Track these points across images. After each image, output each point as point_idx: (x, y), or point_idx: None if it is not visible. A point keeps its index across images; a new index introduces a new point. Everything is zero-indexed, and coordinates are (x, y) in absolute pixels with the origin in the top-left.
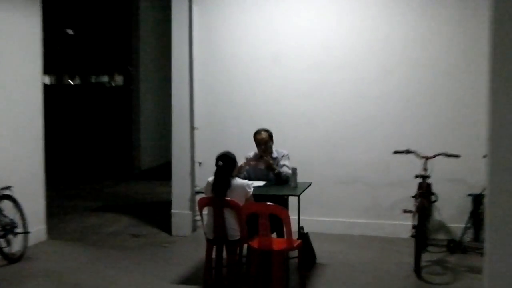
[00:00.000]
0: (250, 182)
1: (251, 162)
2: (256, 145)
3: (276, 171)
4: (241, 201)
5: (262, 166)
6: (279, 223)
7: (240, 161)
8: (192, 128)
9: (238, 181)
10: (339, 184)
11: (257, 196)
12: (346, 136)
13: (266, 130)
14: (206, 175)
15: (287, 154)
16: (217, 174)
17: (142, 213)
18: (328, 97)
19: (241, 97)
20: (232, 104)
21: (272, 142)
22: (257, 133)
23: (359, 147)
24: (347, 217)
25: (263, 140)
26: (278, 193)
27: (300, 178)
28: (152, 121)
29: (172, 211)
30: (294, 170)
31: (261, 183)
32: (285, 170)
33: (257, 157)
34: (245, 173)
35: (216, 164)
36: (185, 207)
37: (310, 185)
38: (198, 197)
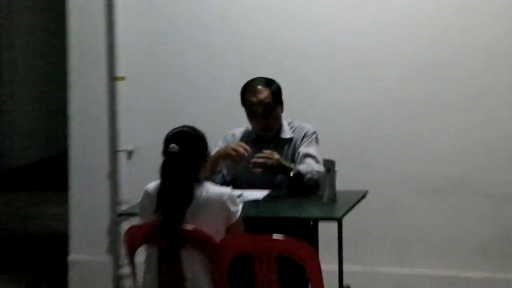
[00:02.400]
0: (237, 191)
1: (240, 150)
2: (248, 115)
3: (292, 171)
4: (217, 232)
5: (259, 163)
6: (298, 276)
7: (215, 147)
8: (114, 80)
9: (211, 190)
10: (424, 194)
11: (253, 221)
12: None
13: (269, 83)
14: (143, 179)
15: (314, 133)
16: (166, 174)
17: (5, 262)
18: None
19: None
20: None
21: (282, 109)
22: (249, 88)
23: (460, 121)
24: (444, 265)
25: (263, 103)
26: (297, 214)
27: (345, 184)
28: (30, 92)
29: (70, 257)
30: (329, 166)
31: (259, 193)
32: (311, 167)
33: (251, 140)
34: (224, 171)
35: (166, 152)
36: (98, 248)
37: (364, 196)
38: (125, 224)
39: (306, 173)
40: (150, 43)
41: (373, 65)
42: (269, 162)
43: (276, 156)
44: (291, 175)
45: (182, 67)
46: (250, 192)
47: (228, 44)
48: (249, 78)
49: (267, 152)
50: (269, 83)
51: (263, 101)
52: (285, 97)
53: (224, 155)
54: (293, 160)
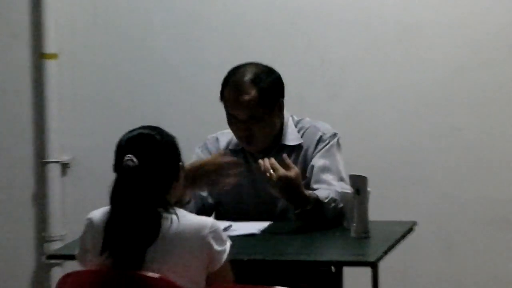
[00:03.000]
0: (224, 223)
1: (223, 162)
2: (227, 119)
3: (309, 202)
4: (193, 281)
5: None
6: None
7: (190, 158)
8: (41, 57)
9: (185, 220)
10: (490, 226)
11: (247, 267)
12: None
13: (257, 78)
14: (84, 205)
15: (335, 136)
16: (119, 199)
17: None
18: None
19: None
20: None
21: (279, 114)
22: (231, 81)
23: None
24: None
25: (245, 108)
26: (311, 257)
27: (381, 210)
28: None
29: None
30: (359, 185)
31: (255, 225)
32: (332, 188)
33: (241, 148)
34: (204, 193)
35: (119, 167)
36: None
37: (411, 230)
38: (57, 270)
39: (328, 202)
40: (95, 14)
41: (420, 41)
42: (275, 175)
43: (292, 172)
44: (308, 207)
45: (141, 46)
46: (242, 224)
47: (211, 10)
48: (239, 59)
49: (269, 162)
50: (259, 77)
51: (245, 106)
52: (293, 85)
53: (199, 174)
54: (303, 177)
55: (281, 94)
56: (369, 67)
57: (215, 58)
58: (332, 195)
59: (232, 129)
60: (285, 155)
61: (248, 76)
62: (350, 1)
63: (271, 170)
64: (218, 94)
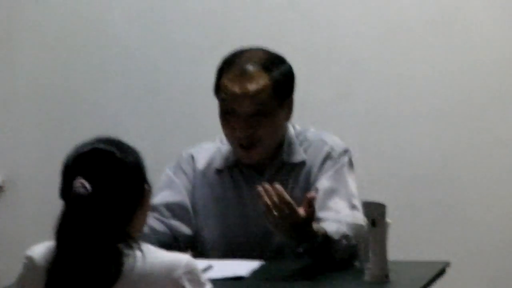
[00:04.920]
0: (202, 261)
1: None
2: (221, 117)
3: (315, 238)
4: None
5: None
6: None
7: (156, 177)
8: None
9: (153, 258)
10: None
11: None
12: None
13: (270, 64)
14: (21, 239)
15: (345, 153)
16: (67, 233)
17: None
18: None
19: None
20: None
21: (289, 114)
22: (231, 67)
23: None
24: None
25: (251, 99)
26: None
27: (404, 247)
28: None
29: None
30: (376, 215)
31: (243, 265)
32: (342, 219)
33: (228, 166)
34: (176, 222)
35: (67, 194)
36: None
37: (442, 273)
38: None
39: (339, 239)
40: None
41: (449, 30)
42: (284, 212)
43: (305, 212)
44: (314, 244)
45: (95, 30)
46: (227, 263)
47: None
48: (225, 50)
49: (278, 189)
50: (272, 64)
51: (252, 96)
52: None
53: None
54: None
55: (293, 89)
56: (385, 60)
57: (194, 49)
58: (343, 229)
59: (227, 131)
60: (310, 195)
61: (256, 61)
62: None
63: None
64: (195, 95)
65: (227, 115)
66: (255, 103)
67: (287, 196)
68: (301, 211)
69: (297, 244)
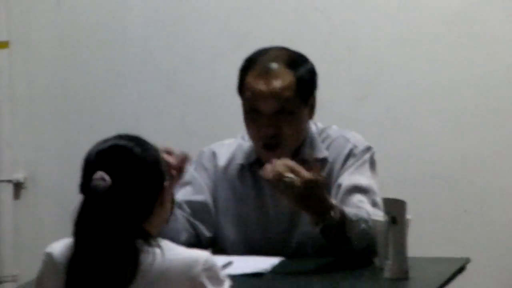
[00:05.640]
0: (222, 258)
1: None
2: (245, 115)
3: (332, 214)
4: None
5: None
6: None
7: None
8: None
9: (172, 254)
10: None
11: None
12: None
13: (294, 62)
14: (42, 235)
15: (368, 151)
16: (86, 229)
17: None
18: None
19: None
20: None
21: (313, 112)
22: (256, 66)
23: None
24: None
25: (278, 96)
26: None
27: (426, 244)
28: None
29: None
30: (395, 212)
31: (263, 261)
32: (364, 211)
33: (248, 164)
34: (196, 221)
35: (88, 188)
36: None
37: (462, 269)
38: None
39: (358, 220)
40: None
41: (475, 29)
42: (297, 182)
43: (317, 176)
44: (332, 216)
45: (115, 34)
46: (247, 260)
47: None
48: (242, 51)
49: (288, 163)
50: (296, 62)
51: (277, 94)
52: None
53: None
54: None
55: (316, 87)
56: (407, 60)
57: (212, 50)
58: (363, 214)
59: (251, 130)
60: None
61: (280, 59)
62: None
63: (290, 174)
64: (214, 95)
65: (252, 114)
66: (280, 101)
67: (297, 165)
68: (313, 175)
69: (315, 218)
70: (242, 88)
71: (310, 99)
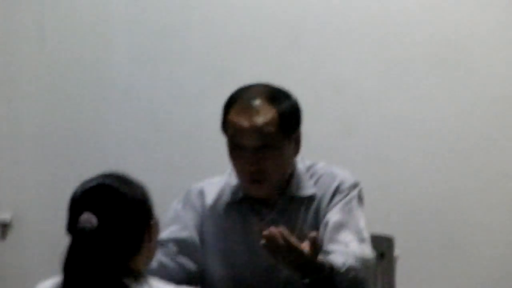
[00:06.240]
0: None
1: None
2: (230, 152)
3: (321, 271)
4: None
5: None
6: None
7: (167, 213)
8: None
9: None
10: None
11: None
12: None
13: (276, 98)
14: (28, 273)
15: (355, 187)
16: (74, 268)
17: None
18: None
19: None
20: None
21: (297, 148)
22: (238, 102)
23: None
24: None
25: (259, 132)
26: None
27: (413, 282)
28: None
29: None
30: (383, 248)
31: None
32: (351, 252)
33: (236, 201)
34: (183, 259)
35: (74, 229)
36: None
37: None
38: None
39: (346, 271)
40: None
41: (461, 63)
42: (279, 242)
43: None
44: (320, 276)
45: (98, 64)
46: None
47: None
48: (225, 86)
49: (278, 232)
50: (278, 97)
51: (259, 129)
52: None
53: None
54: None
55: (300, 124)
56: (393, 95)
57: (196, 87)
58: (351, 261)
59: (236, 166)
60: (314, 233)
61: (262, 95)
62: (369, 13)
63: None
64: (199, 132)
65: (236, 150)
66: (262, 136)
67: (291, 239)
68: (306, 246)
69: (303, 277)
70: (225, 125)
71: (293, 134)
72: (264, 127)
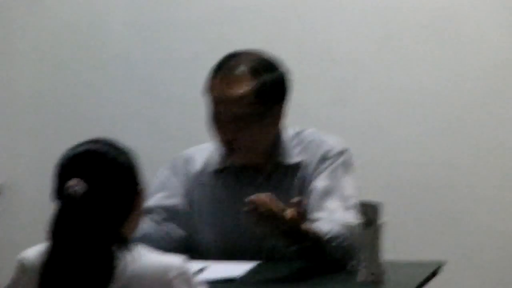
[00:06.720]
0: (196, 263)
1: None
2: (209, 118)
3: (307, 238)
4: None
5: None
6: None
7: (150, 178)
8: None
9: (147, 260)
10: None
11: None
12: None
13: (258, 69)
14: (16, 241)
15: (343, 153)
16: (61, 235)
17: None
18: None
19: None
20: None
21: (277, 120)
22: (220, 69)
23: None
24: None
25: (235, 103)
26: None
27: (402, 249)
28: None
29: None
30: (370, 215)
31: (237, 266)
32: (336, 219)
33: (222, 169)
34: (169, 225)
35: (62, 195)
36: None
37: (435, 273)
38: None
39: (330, 238)
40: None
41: (453, 33)
42: (261, 209)
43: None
44: (306, 244)
45: (91, 36)
46: (220, 265)
47: None
48: (219, 54)
49: (262, 197)
50: (262, 68)
51: (234, 102)
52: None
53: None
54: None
55: (285, 97)
56: (386, 64)
57: (188, 53)
58: (336, 229)
59: (213, 132)
60: (298, 199)
61: (246, 65)
62: None
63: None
64: (190, 98)
65: (213, 118)
66: (238, 107)
67: (274, 206)
68: (291, 213)
69: (288, 245)
70: (206, 90)
71: (277, 105)
72: (240, 99)
